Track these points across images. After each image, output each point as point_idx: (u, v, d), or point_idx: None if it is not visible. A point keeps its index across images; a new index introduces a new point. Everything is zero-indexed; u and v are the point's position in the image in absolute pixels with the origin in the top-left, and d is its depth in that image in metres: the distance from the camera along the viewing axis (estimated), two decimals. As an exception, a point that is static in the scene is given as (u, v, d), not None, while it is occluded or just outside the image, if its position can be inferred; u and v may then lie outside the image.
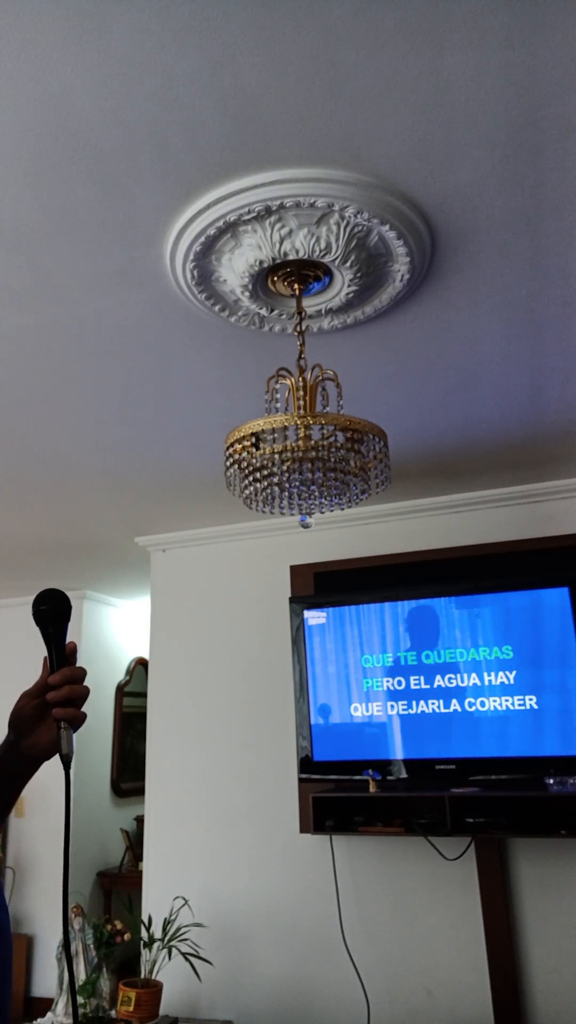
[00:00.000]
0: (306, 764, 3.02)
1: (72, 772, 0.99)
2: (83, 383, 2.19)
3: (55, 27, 1.12)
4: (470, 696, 2.87)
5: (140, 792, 4.29)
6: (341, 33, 1.14)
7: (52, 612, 1.04)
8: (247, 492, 1.57)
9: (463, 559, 3.20)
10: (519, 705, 2.80)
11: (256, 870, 3.24)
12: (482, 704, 2.85)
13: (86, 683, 1.03)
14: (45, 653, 1.05)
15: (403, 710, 2.94)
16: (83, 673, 1.02)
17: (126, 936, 3.28)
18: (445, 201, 1.50)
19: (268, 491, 1.57)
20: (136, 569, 4.29)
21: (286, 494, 1.57)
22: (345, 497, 1.61)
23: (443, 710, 2.89)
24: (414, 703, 2.93)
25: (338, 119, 1.30)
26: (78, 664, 1.05)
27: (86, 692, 1.02)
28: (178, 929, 3.01)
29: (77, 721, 1.00)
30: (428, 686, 2.93)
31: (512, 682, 2.83)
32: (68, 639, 1.05)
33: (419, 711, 2.92)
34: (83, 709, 1.02)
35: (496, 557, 3.15)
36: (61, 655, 1.02)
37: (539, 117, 1.31)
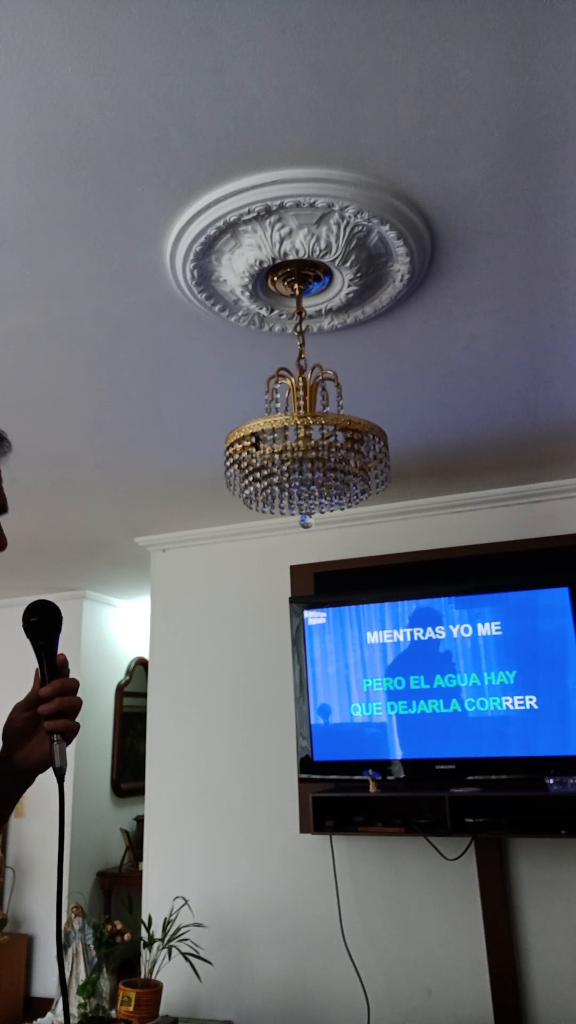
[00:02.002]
0: (306, 764, 3.02)
1: (69, 773, 0.98)
2: (83, 383, 2.19)
3: (55, 27, 1.12)
4: (470, 696, 2.87)
5: (140, 792, 4.29)
6: (341, 33, 1.14)
7: (42, 624, 1.02)
8: (247, 492, 1.57)
9: (463, 559, 3.20)
10: (519, 705, 2.80)
11: (256, 870, 3.24)
12: (482, 704, 2.85)
13: (82, 689, 1.02)
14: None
15: (403, 710, 2.94)
16: (75, 685, 1.00)
17: (126, 936, 3.28)
18: (445, 201, 1.50)
19: (268, 491, 1.57)
20: (136, 569, 4.29)
21: (286, 494, 1.57)
22: (345, 497, 1.61)
23: (443, 710, 2.89)
24: (414, 703, 2.93)
25: (338, 119, 1.30)
26: (72, 668, 1.03)
27: (79, 703, 1.00)
28: (178, 929, 3.01)
29: (70, 732, 0.98)
30: (428, 686, 2.93)
31: (512, 682, 2.83)
32: (66, 643, 1.03)
33: (419, 711, 2.92)
34: (81, 714, 1.00)
35: (496, 557, 3.15)
36: (52, 667, 1.00)
37: (539, 117, 1.31)
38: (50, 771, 0.99)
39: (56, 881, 0.97)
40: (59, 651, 1.03)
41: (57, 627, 1.03)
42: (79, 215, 1.50)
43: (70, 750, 1.01)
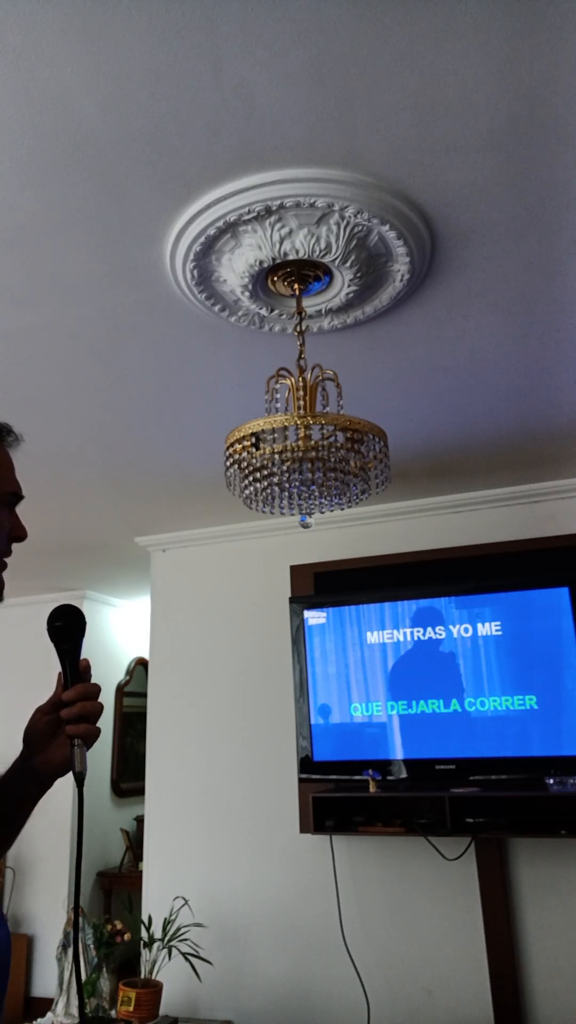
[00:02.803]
0: (306, 764, 3.02)
1: (71, 779, 0.98)
2: (83, 383, 2.19)
3: (55, 27, 1.12)
4: (470, 696, 2.87)
5: (140, 792, 4.29)
6: (341, 33, 1.14)
7: (67, 628, 1.03)
8: (247, 492, 1.57)
9: (463, 559, 3.19)
10: (519, 705, 2.80)
11: (256, 870, 3.24)
12: (482, 704, 2.85)
13: None
14: (46, 654, 1.04)
15: (403, 710, 2.94)
16: (97, 690, 1.01)
17: (126, 936, 3.28)
18: (445, 201, 1.50)
19: (268, 491, 1.57)
20: (136, 569, 4.29)
21: (286, 494, 1.57)
22: (345, 497, 1.61)
23: (443, 710, 2.89)
24: (414, 703, 2.93)
25: (338, 119, 1.30)
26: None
27: (100, 709, 1.00)
28: (178, 929, 3.01)
29: (91, 737, 0.99)
30: (429, 687, 2.92)
31: (512, 682, 2.83)
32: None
33: (419, 711, 2.92)
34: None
35: (496, 557, 3.15)
36: (75, 671, 1.01)
37: (539, 117, 1.31)
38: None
39: (74, 882, 0.97)
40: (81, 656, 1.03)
41: (82, 632, 1.04)
42: (79, 215, 1.50)
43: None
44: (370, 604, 3.06)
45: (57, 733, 1.00)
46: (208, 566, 3.70)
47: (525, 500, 3.21)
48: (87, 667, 1.03)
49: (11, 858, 4.65)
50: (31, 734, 1.01)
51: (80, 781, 0.97)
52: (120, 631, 5.29)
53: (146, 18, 1.11)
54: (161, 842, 3.45)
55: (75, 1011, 3.05)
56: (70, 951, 3.28)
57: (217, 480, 2.91)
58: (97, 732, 0.99)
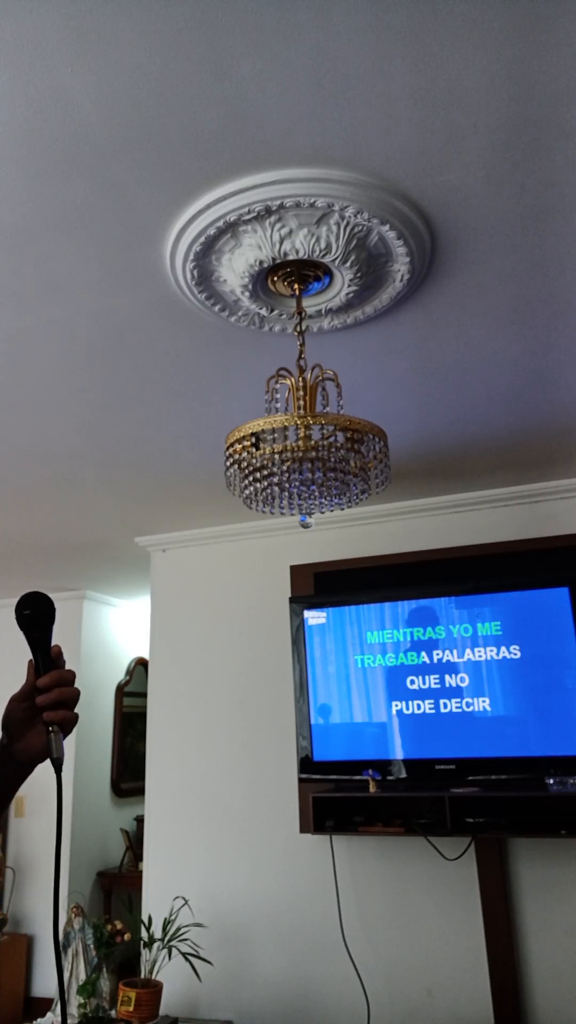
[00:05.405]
0: (306, 764, 3.02)
1: (69, 773, 0.98)
2: (83, 383, 2.19)
3: (55, 28, 1.12)
4: (470, 696, 2.87)
5: (140, 792, 4.30)
6: (341, 33, 1.14)
7: (37, 616, 1.03)
8: (247, 492, 1.57)
9: (463, 559, 3.19)
10: (519, 705, 2.80)
11: (256, 870, 3.24)
12: (482, 704, 2.85)
13: (82, 689, 1.02)
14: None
15: (403, 710, 2.94)
16: (72, 676, 1.01)
17: (126, 936, 3.28)
18: (445, 201, 1.50)
19: (268, 491, 1.57)
20: (136, 569, 4.29)
21: (286, 494, 1.57)
22: (345, 497, 1.61)
23: (443, 710, 2.89)
24: (414, 703, 2.93)
25: (338, 119, 1.30)
26: (71, 667, 1.04)
27: (77, 694, 1.00)
28: (178, 929, 3.01)
29: (69, 723, 0.99)
30: (428, 686, 2.92)
31: (512, 682, 2.83)
32: (67, 644, 1.04)
33: (419, 711, 2.92)
34: (78, 710, 1.01)
35: (496, 557, 3.15)
36: (47, 658, 1.01)
37: (540, 117, 1.31)
38: (51, 769, 0.99)
39: (54, 877, 0.97)
40: (53, 643, 1.03)
41: (51, 618, 1.04)
42: (79, 215, 1.50)
43: (70, 750, 1.01)
44: (370, 604, 3.06)
45: (35, 720, 1.00)
46: (208, 566, 3.70)
47: (525, 500, 3.21)
48: (59, 653, 1.02)
49: (11, 858, 4.65)
50: (9, 721, 1.01)
51: (58, 767, 0.97)
52: (120, 631, 5.29)
53: (146, 18, 1.11)
54: (161, 842, 3.45)
55: (74, 1010, 3.06)
56: (70, 950, 3.29)
57: (217, 480, 2.91)
58: (75, 718, 0.99)
